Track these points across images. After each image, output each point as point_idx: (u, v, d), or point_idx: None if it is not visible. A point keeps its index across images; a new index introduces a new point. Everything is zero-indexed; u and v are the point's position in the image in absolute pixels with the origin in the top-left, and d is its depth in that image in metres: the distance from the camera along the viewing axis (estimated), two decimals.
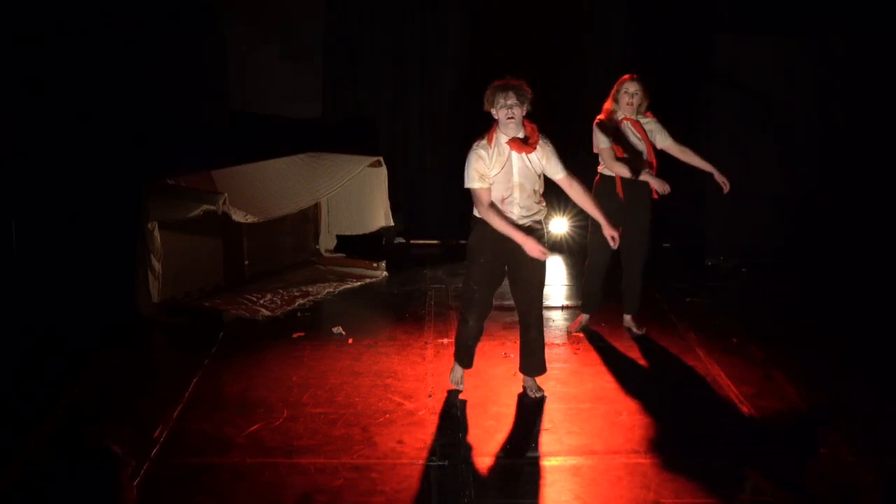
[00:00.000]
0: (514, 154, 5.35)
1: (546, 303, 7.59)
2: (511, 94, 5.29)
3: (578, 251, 8.21)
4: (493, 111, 5.36)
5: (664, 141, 6.57)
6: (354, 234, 8.83)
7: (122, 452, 2.80)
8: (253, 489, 4.68)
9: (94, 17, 8.63)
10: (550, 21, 9.46)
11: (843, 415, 5.48)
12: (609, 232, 5.56)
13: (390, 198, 8.59)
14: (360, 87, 9.53)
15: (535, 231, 5.43)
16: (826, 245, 8.38)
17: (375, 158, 8.44)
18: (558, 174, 5.44)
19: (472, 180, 5.33)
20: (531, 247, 5.21)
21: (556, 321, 7.20)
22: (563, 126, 8.12)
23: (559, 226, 8.53)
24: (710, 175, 6.69)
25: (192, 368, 6.19)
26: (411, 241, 9.49)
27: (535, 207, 5.45)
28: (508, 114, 5.29)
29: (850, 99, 8.26)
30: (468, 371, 5.81)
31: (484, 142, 5.38)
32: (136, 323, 7.10)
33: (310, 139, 8.96)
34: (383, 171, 8.46)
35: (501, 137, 5.36)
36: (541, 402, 5.67)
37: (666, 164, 6.71)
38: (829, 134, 8.31)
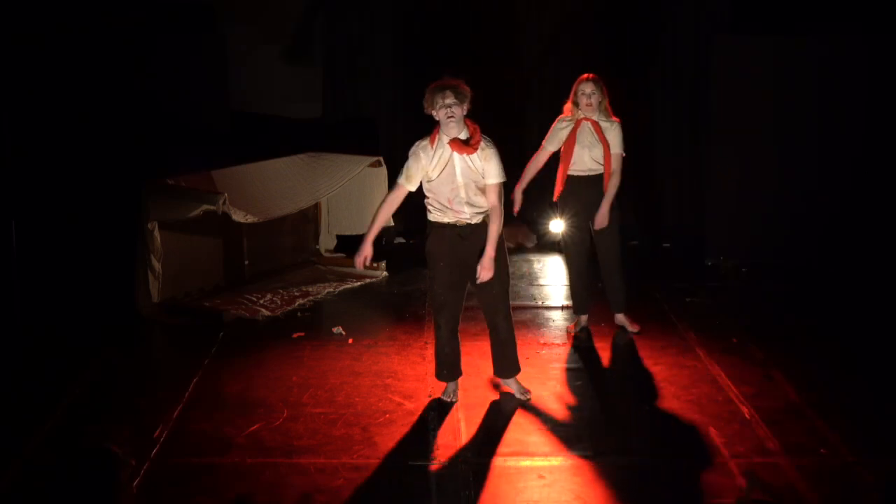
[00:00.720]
0: (456, 155, 5.34)
1: (546, 302, 7.63)
2: (448, 92, 5.28)
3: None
4: (434, 112, 5.35)
5: (613, 149, 6.48)
6: (354, 234, 8.82)
7: (121, 453, 2.80)
8: (253, 489, 4.68)
9: (94, 17, 8.63)
10: (551, 21, 9.47)
11: (843, 415, 5.48)
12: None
13: None
14: (360, 87, 9.54)
15: (488, 221, 5.40)
16: (826, 245, 8.38)
17: (375, 158, 8.44)
18: (489, 179, 5.36)
19: (400, 176, 5.42)
20: (358, 257, 5.51)
21: (556, 321, 7.20)
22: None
23: (557, 226, 8.53)
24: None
25: (192, 368, 6.19)
26: (411, 241, 9.48)
27: (486, 203, 5.41)
28: (448, 113, 5.28)
29: (850, 99, 8.26)
30: (466, 372, 5.77)
31: (425, 142, 5.39)
32: (136, 323, 7.10)
33: (310, 139, 8.96)
34: (383, 171, 8.46)
35: (443, 138, 5.35)
36: (539, 402, 5.65)
37: (647, 165, 6.71)
38: (829, 134, 8.31)
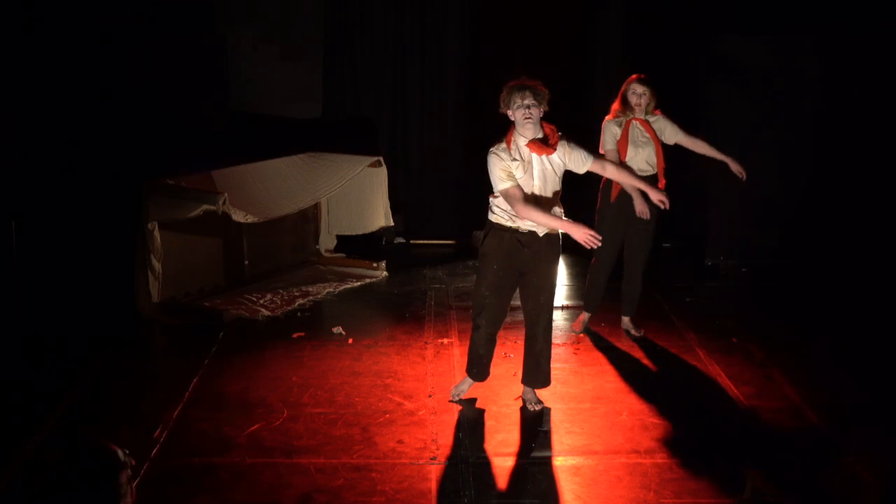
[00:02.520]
0: (535, 157, 5.20)
1: None
2: (528, 93, 5.13)
3: (578, 251, 8.19)
4: (510, 112, 5.19)
5: (676, 136, 6.52)
6: (354, 234, 8.83)
7: (122, 452, 2.80)
8: (253, 489, 4.68)
9: (94, 16, 8.63)
10: (551, 21, 9.46)
11: (843, 415, 5.48)
12: (657, 196, 5.59)
13: (390, 198, 8.59)
14: (360, 87, 9.53)
15: (551, 236, 5.34)
16: (826, 245, 8.38)
17: (375, 158, 8.44)
18: (587, 162, 5.30)
19: (502, 181, 5.11)
20: (580, 233, 4.95)
21: (556, 321, 7.18)
22: (563, 128, 8.11)
23: None
24: (713, 172, 6.68)
25: (192, 368, 6.19)
26: (411, 241, 9.49)
27: (556, 211, 5.30)
28: (526, 114, 5.13)
29: (850, 99, 8.25)
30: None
31: (502, 145, 5.20)
32: (136, 323, 7.10)
33: (310, 139, 8.95)
34: (383, 171, 8.46)
35: (520, 140, 5.19)
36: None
37: (675, 160, 6.70)
38: (829, 134, 8.30)
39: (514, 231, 5.28)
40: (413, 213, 9.48)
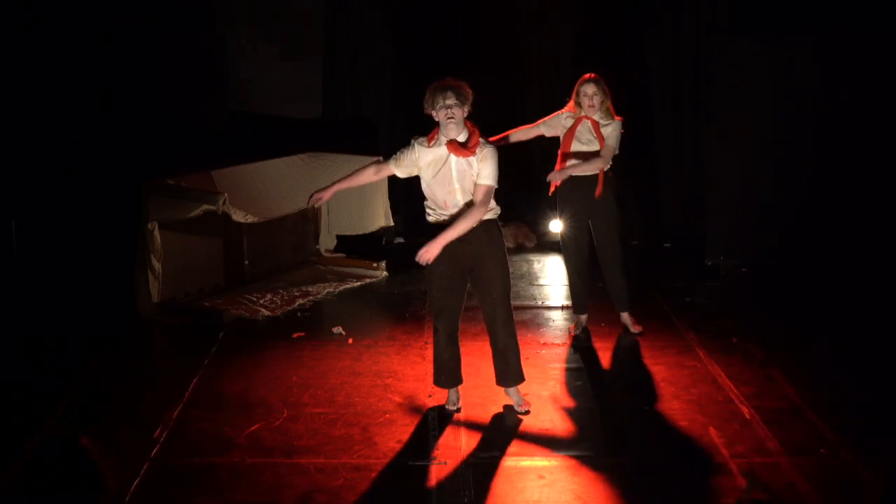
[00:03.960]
0: (453, 157, 5.25)
1: (546, 303, 7.63)
2: (450, 93, 5.18)
3: None
4: (434, 113, 5.25)
5: (607, 141, 6.40)
6: (354, 234, 8.83)
7: (92, 440, 2.79)
8: (253, 489, 4.68)
9: (95, 17, 8.64)
10: (550, 22, 9.46)
11: (842, 415, 5.48)
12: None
13: (390, 198, 8.59)
14: (360, 87, 9.53)
15: (489, 224, 5.32)
16: (826, 245, 8.37)
17: (375, 158, 8.36)
18: (480, 180, 5.23)
19: (391, 157, 5.38)
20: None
21: (556, 321, 7.20)
22: None
23: (556, 226, 8.53)
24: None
25: (192, 368, 6.19)
26: (411, 242, 9.48)
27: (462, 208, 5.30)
28: (448, 114, 5.18)
29: (850, 99, 8.25)
30: (466, 372, 5.70)
31: (423, 139, 5.32)
32: (136, 323, 7.10)
33: (310, 139, 8.96)
34: None
35: (441, 139, 5.27)
36: (539, 402, 5.64)
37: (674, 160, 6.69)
38: (829, 134, 8.30)
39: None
40: (413, 213, 9.46)
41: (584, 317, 6.87)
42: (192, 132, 9.08)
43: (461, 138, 5.25)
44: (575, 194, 6.54)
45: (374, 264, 8.45)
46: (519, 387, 5.60)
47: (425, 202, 5.43)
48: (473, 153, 5.24)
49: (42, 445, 5.07)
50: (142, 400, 5.70)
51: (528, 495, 4.63)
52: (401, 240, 9.48)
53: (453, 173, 5.27)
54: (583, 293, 6.80)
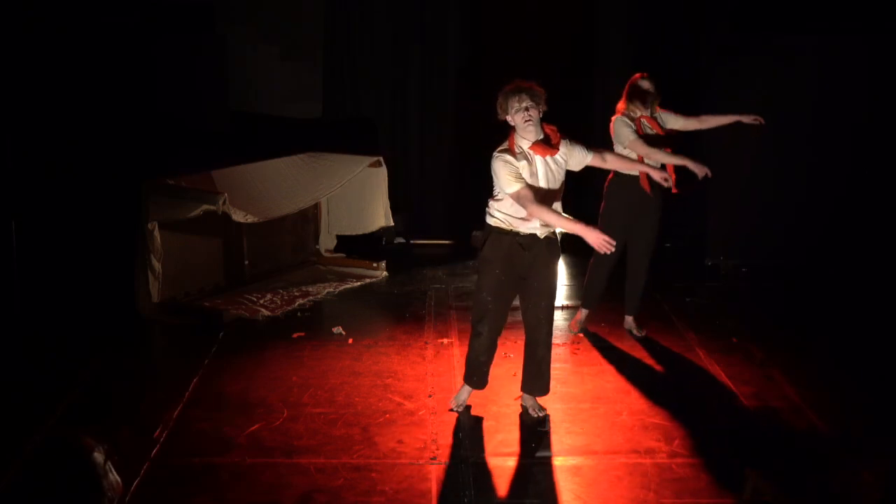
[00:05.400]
0: (539, 158, 5.13)
1: None
2: (524, 95, 5.06)
3: (578, 250, 8.19)
4: (509, 118, 5.13)
5: (677, 122, 6.50)
6: (354, 234, 8.82)
7: (90, 437, 2.78)
8: (253, 489, 4.68)
9: (95, 17, 8.64)
10: (551, 22, 9.46)
11: (843, 415, 5.48)
12: (659, 175, 5.67)
13: (390, 198, 8.58)
14: (360, 87, 9.53)
15: (551, 239, 5.29)
16: (826, 245, 8.37)
17: (375, 158, 8.44)
18: (587, 157, 5.25)
19: (511, 184, 4.99)
20: (594, 237, 4.82)
21: (557, 321, 7.18)
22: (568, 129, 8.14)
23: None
24: (713, 173, 6.63)
25: (192, 368, 6.19)
26: (411, 241, 9.49)
27: (558, 208, 5.25)
28: (525, 116, 5.06)
29: (850, 99, 8.25)
30: None
31: (506, 146, 5.13)
32: (136, 323, 7.10)
33: (310, 139, 8.96)
34: (383, 171, 8.45)
35: (522, 143, 5.12)
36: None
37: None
38: (829, 134, 8.30)
39: (515, 234, 5.22)
40: (413, 213, 9.48)
41: (586, 313, 6.85)
42: (192, 132, 9.08)
43: (541, 138, 5.15)
44: (623, 193, 6.43)
45: (374, 264, 8.45)
46: None
47: (495, 204, 5.22)
48: (558, 150, 5.17)
49: (42, 445, 5.06)
50: (142, 400, 5.70)
51: (528, 495, 4.63)
52: (401, 240, 9.48)
53: (540, 174, 5.14)
54: (601, 290, 6.78)
